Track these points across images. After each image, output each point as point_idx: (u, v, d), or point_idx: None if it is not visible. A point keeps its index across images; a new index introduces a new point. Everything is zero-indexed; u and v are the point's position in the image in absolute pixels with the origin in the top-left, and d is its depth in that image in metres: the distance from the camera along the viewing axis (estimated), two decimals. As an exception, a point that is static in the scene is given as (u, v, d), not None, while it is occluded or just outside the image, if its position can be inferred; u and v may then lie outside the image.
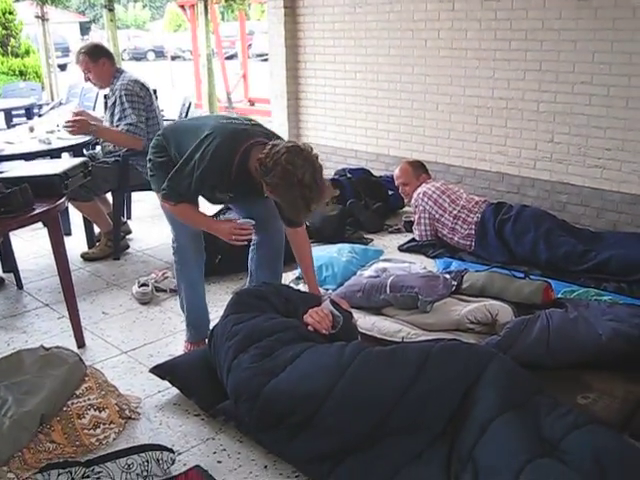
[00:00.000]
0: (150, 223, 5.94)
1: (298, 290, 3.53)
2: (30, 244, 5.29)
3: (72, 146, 5.27)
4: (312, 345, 2.86)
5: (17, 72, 15.37)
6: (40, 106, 9.63)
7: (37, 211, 3.30)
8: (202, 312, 3.66)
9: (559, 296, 3.78)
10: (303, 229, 3.54)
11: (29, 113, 8.91)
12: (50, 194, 3.48)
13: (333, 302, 3.23)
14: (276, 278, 3.75)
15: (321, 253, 4.47)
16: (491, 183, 5.70)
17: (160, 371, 3.22)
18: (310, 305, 3.21)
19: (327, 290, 4.16)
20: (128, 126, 4.79)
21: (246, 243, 3.33)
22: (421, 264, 4.46)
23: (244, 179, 3.13)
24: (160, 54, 31.77)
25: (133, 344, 3.75)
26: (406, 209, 5.86)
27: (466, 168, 5.85)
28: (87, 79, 5.06)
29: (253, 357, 2.79)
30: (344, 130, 6.73)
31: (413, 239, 5.08)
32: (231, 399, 2.83)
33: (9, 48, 15.80)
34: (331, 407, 2.56)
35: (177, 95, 13.06)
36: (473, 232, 4.73)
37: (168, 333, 3.87)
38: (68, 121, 4.83)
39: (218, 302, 4.20)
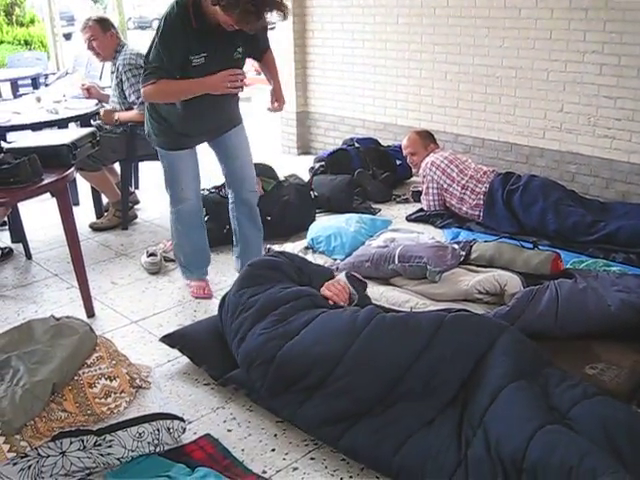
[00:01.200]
0: (158, 193, 5.91)
1: (309, 262, 3.52)
2: (39, 214, 5.30)
3: (79, 116, 5.25)
4: (326, 310, 2.88)
5: (22, 42, 15.27)
6: (46, 76, 9.58)
7: (46, 181, 3.30)
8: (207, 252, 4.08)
9: (568, 266, 3.78)
10: (270, 53, 3.78)
11: (35, 83, 8.86)
12: (58, 164, 3.48)
13: (349, 276, 3.25)
14: (259, 230, 4.05)
15: (329, 223, 4.47)
16: (500, 153, 5.67)
17: (170, 340, 3.24)
18: (324, 277, 3.23)
19: (336, 260, 4.16)
20: (141, 105, 4.76)
21: (242, 89, 3.44)
22: (429, 234, 4.45)
23: (207, 29, 3.25)
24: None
25: (142, 314, 3.77)
26: (414, 179, 5.84)
27: (474, 138, 5.82)
28: (90, 47, 5.02)
29: (267, 324, 2.82)
30: (352, 99, 6.68)
31: (421, 209, 5.08)
32: (243, 366, 2.85)
33: (14, 17, 15.70)
34: (344, 369, 2.59)
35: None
36: (481, 202, 4.72)
37: (177, 303, 3.89)
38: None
39: (227, 272, 4.23)
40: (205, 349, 3.14)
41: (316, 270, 3.35)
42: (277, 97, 3.84)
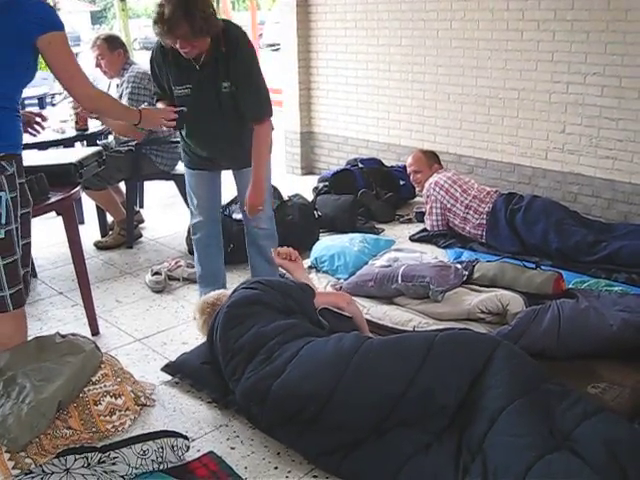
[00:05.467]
0: (163, 212, 5.98)
1: (291, 280, 3.43)
2: (44, 232, 5.32)
3: (85, 135, 5.29)
4: (310, 340, 2.83)
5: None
6: (53, 95, 9.66)
7: (52, 200, 3.33)
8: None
9: (570, 286, 3.79)
10: (260, 129, 3.56)
11: (42, 102, 8.94)
12: (65, 183, 3.51)
13: (322, 309, 3.23)
14: (266, 262, 3.87)
15: (333, 243, 4.49)
16: (502, 173, 5.71)
17: (170, 369, 3.29)
18: (308, 295, 3.21)
19: (339, 279, 4.19)
20: None
21: (177, 129, 3.60)
22: (432, 254, 4.48)
23: (190, 63, 3.40)
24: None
25: (146, 332, 3.79)
26: (417, 199, 5.87)
27: (477, 158, 5.85)
28: (98, 65, 5.09)
29: (255, 364, 2.80)
30: (356, 120, 6.74)
31: (424, 229, 5.10)
32: (241, 406, 2.87)
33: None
34: (337, 404, 2.57)
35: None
36: (484, 222, 4.75)
37: (181, 321, 3.91)
38: None
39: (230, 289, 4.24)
40: (205, 375, 3.15)
41: (300, 289, 3.24)
42: (249, 196, 3.61)
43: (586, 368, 3.00)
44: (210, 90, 3.44)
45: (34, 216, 3.02)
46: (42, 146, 4.95)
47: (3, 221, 2.63)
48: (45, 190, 3.29)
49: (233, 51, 3.36)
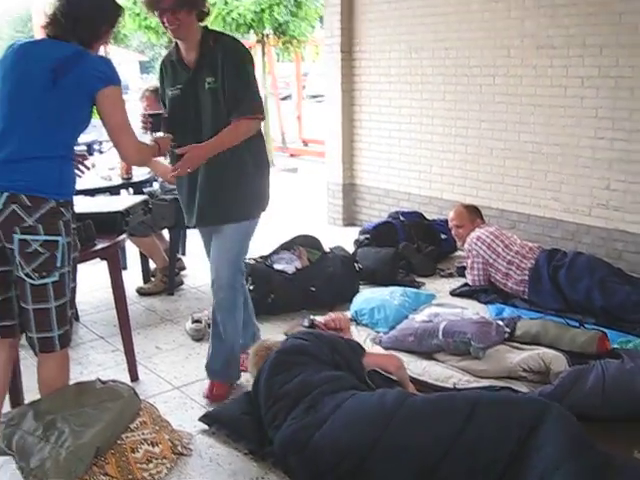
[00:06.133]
0: (204, 260, 5.99)
1: (342, 338, 3.42)
2: (87, 277, 5.39)
3: (132, 183, 5.40)
4: (354, 394, 2.83)
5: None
6: (101, 142, 9.87)
7: (99, 247, 3.40)
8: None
9: (615, 346, 3.71)
10: (243, 123, 3.27)
11: (90, 150, 9.13)
12: (111, 230, 3.58)
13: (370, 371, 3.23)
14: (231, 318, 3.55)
15: (373, 295, 4.48)
16: (545, 229, 5.66)
17: (207, 419, 3.29)
18: (356, 353, 3.20)
19: (379, 333, 4.16)
20: None
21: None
22: (473, 310, 4.43)
23: (183, 64, 3.34)
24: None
25: (185, 380, 3.80)
26: (458, 253, 5.84)
27: (520, 213, 5.82)
28: None
29: (298, 412, 2.80)
30: (397, 173, 6.77)
31: (466, 284, 5.06)
32: (280, 454, 2.84)
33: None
34: (378, 458, 2.54)
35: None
36: (527, 278, 4.69)
37: (220, 369, 3.91)
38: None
39: (270, 341, 4.24)
40: (242, 426, 3.15)
41: (350, 347, 3.25)
42: (186, 152, 3.23)
43: (632, 432, 2.93)
44: (196, 88, 3.30)
45: (80, 262, 3.08)
46: (90, 193, 5.06)
47: (59, 264, 2.71)
48: (92, 237, 3.36)
49: (222, 46, 3.26)
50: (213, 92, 3.26)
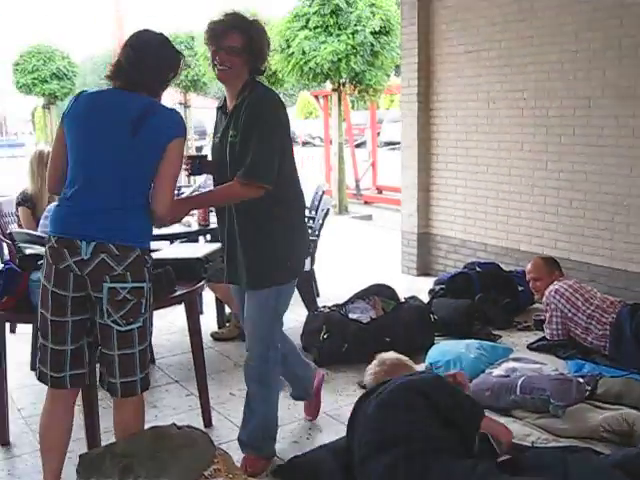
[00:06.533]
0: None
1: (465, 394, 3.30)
2: (163, 320, 5.50)
3: (209, 230, 5.49)
4: (452, 459, 2.76)
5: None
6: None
7: (178, 293, 3.46)
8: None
9: (703, 409, 3.57)
10: (238, 186, 3.07)
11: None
12: (190, 277, 3.63)
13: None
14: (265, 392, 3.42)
15: (448, 348, 4.43)
16: (627, 283, 5.50)
17: (281, 475, 3.27)
18: (479, 415, 3.07)
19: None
20: None
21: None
22: (552, 365, 4.32)
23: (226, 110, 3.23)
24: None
25: (258, 428, 3.79)
26: (536, 306, 5.72)
27: (600, 266, 5.68)
28: None
29: (393, 459, 2.75)
30: (474, 223, 6.71)
31: (543, 338, 4.94)
32: None
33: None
34: None
35: (307, 180, 13.44)
36: (608, 333, 4.55)
37: (293, 419, 3.90)
38: None
39: (343, 391, 4.21)
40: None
41: (469, 403, 3.10)
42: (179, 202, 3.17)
43: None
44: (226, 137, 3.17)
45: (161, 307, 3.14)
46: (169, 238, 5.17)
47: (143, 310, 2.78)
48: (172, 283, 3.41)
49: (250, 99, 3.10)
50: (232, 146, 3.11)
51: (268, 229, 3.18)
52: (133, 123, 2.69)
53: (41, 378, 2.88)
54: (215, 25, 3.11)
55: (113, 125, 2.73)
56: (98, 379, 2.93)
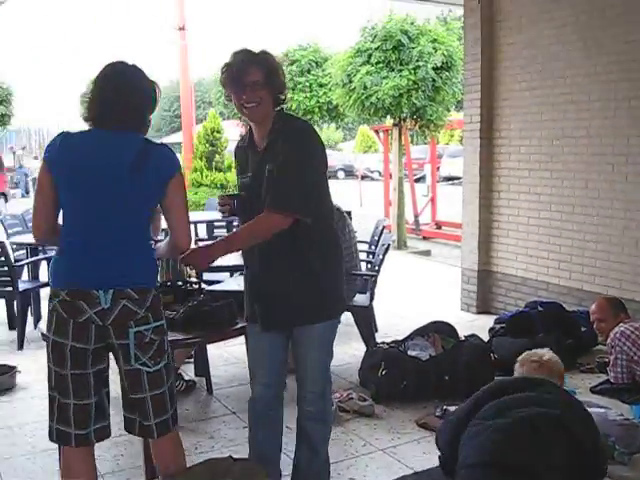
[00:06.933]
0: (337, 341, 5.98)
1: None
2: (221, 351, 5.53)
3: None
4: None
5: (219, 185, 16.46)
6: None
7: (239, 325, 3.47)
8: None
9: None
10: (272, 217, 2.96)
11: (229, 226, 9.41)
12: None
13: None
14: (318, 460, 3.36)
15: (509, 388, 4.33)
16: (696, 327, 5.34)
17: None
18: None
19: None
20: None
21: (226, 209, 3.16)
22: (616, 410, 4.20)
23: (254, 149, 3.11)
24: (349, 173, 33.00)
25: (313, 463, 3.76)
26: (599, 347, 5.58)
27: (667, 309, 5.53)
28: None
29: None
30: (536, 261, 6.61)
31: (607, 381, 4.82)
32: None
33: (213, 163, 17.01)
34: None
35: (365, 215, 13.46)
36: (676, 378, 4.43)
37: (350, 455, 3.87)
38: None
39: (401, 429, 4.17)
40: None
41: None
42: (199, 249, 3.06)
43: None
44: (259, 174, 3.04)
45: (221, 339, 3.16)
46: (229, 269, 5.21)
47: (166, 347, 2.79)
48: (234, 315, 3.44)
49: (286, 131, 3.02)
50: (270, 181, 2.98)
51: (313, 267, 3.06)
52: (131, 167, 2.62)
53: (61, 438, 2.75)
54: (231, 66, 3.01)
55: (110, 170, 2.64)
56: (124, 427, 2.85)
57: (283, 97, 3.08)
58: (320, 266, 3.06)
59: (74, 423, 2.69)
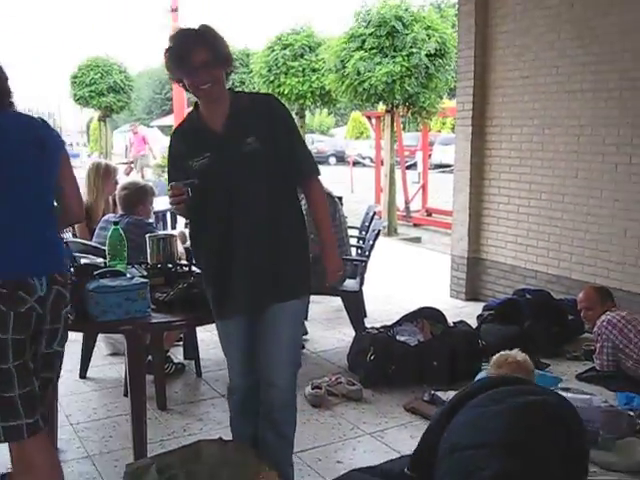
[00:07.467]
0: (326, 326, 6.07)
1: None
2: (211, 334, 5.52)
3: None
4: None
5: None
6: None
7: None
8: None
9: None
10: (316, 186, 3.05)
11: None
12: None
13: None
14: (282, 438, 3.13)
15: (496, 374, 4.37)
16: (682, 316, 5.39)
17: None
18: None
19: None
20: None
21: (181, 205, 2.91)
22: (601, 396, 4.25)
23: (210, 127, 2.98)
24: (341, 159, 32.92)
25: (302, 445, 3.77)
26: (586, 335, 5.63)
27: (654, 298, 5.58)
28: None
29: None
30: (525, 249, 6.64)
31: (593, 368, 4.87)
32: None
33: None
34: None
35: (356, 200, 13.46)
36: (660, 366, 4.48)
37: (337, 439, 3.90)
38: None
39: (389, 414, 4.20)
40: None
41: None
42: (326, 262, 3.09)
43: None
44: (231, 150, 2.92)
45: (212, 322, 3.17)
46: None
47: None
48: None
49: (265, 104, 3.00)
50: (252, 154, 2.89)
51: (300, 232, 3.06)
52: (35, 143, 2.57)
53: (11, 436, 2.49)
54: (175, 51, 2.89)
55: (19, 150, 2.54)
56: None
57: (229, 72, 3.00)
58: (305, 237, 3.06)
59: (24, 413, 2.47)
